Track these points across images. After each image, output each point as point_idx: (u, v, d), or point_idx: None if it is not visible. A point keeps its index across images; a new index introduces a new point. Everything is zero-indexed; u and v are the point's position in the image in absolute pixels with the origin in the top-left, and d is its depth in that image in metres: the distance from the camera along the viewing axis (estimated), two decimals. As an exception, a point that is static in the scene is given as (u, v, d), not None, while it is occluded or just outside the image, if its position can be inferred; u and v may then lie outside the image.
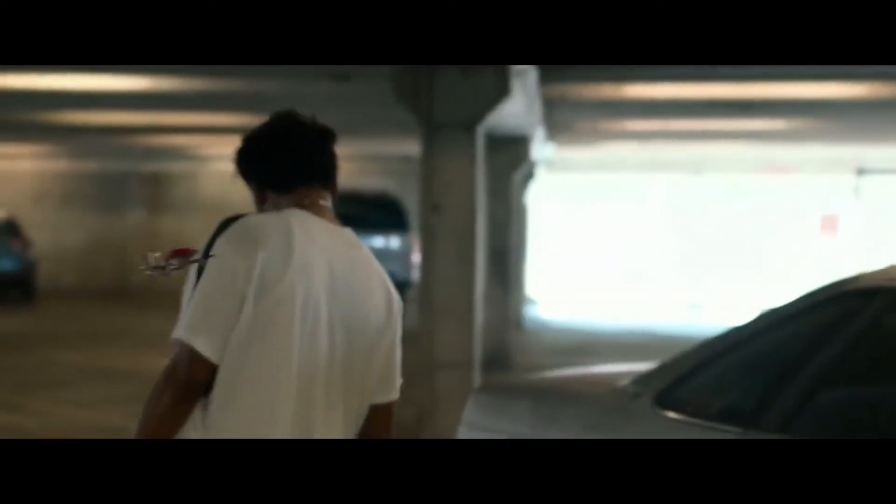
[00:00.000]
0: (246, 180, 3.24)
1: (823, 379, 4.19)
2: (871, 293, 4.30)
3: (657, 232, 29.24)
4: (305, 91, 13.23)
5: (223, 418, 3.00)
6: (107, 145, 24.52)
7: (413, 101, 9.60)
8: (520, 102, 11.46)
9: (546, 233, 28.90)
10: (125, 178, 29.84)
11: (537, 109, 14.52)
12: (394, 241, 22.51)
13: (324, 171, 3.20)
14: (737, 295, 27.39)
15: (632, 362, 8.09)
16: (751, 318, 4.75)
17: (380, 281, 3.17)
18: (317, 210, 3.15)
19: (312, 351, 3.04)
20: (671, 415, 4.57)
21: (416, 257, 21.24)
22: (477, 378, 9.83)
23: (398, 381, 3.25)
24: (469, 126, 9.59)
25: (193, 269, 3.09)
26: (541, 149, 19.12)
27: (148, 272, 3.15)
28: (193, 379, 2.98)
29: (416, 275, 21.18)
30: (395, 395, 3.24)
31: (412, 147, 19.40)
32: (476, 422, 5.34)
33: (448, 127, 9.56)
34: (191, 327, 2.98)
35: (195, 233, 23.92)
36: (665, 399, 4.64)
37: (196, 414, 3.03)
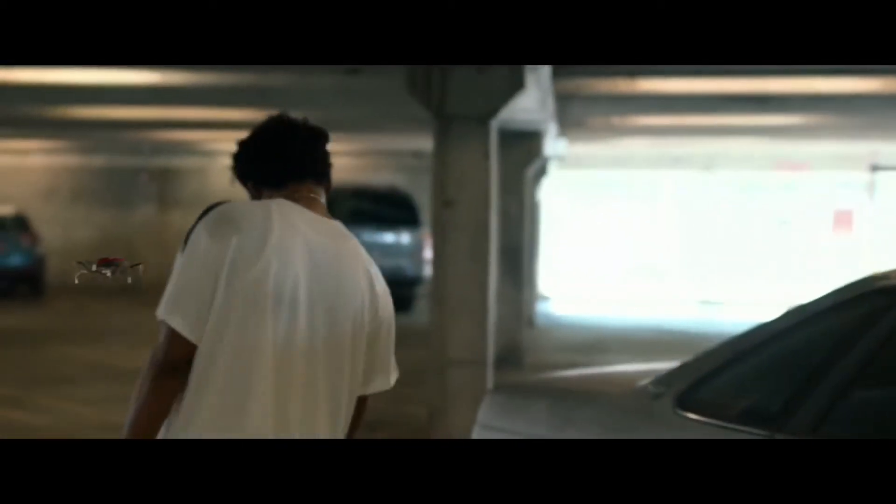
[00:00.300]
0: (242, 181, 3.39)
1: (854, 379, 4.05)
2: (901, 290, 4.17)
3: (669, 229, 29.14)
4: (315, 85, 13.13)
5: (198, 398, 3.08)
6: (116, 140, 24.46)
7: (425, 94, 9.47)
8: (533, 97, 11.34)
9: (558, 229, 28.82)
10: (134, 173, 29.79)
11: (550, 104, 14.40)
12: (404, 237, 22.39)
13: (314, 168, 3.32)
14: (749, 292, 27.30)
15: (648, 361, 7.97)
16: (774, 315, 4.62)
17: (365, 272, 3.24)
18: (306, 202, 3.25)
19: (290, 332, 3.11)
20: (694, 416, 4.43)
21: (427, 253, 21.14)
22: (490, 376, 9.70)
23: (393, 373, 3.34)
24: (483, 120, 9.46)
25: (179, 253, 3.20)
26: (553, 145, 19.00)
27: (83, 272, 3.42)
28: (171, 356, 3.08)
29: (427, 271, 21.08)
30: (382, 386, 3.32)
31: (423, 142, 19.31)
32: (491, 423, 5.22)
33: (461, 121, 9.43)
34: (167, 306, 3.09)
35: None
36: (687, 400, 4.50)
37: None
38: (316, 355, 3.14)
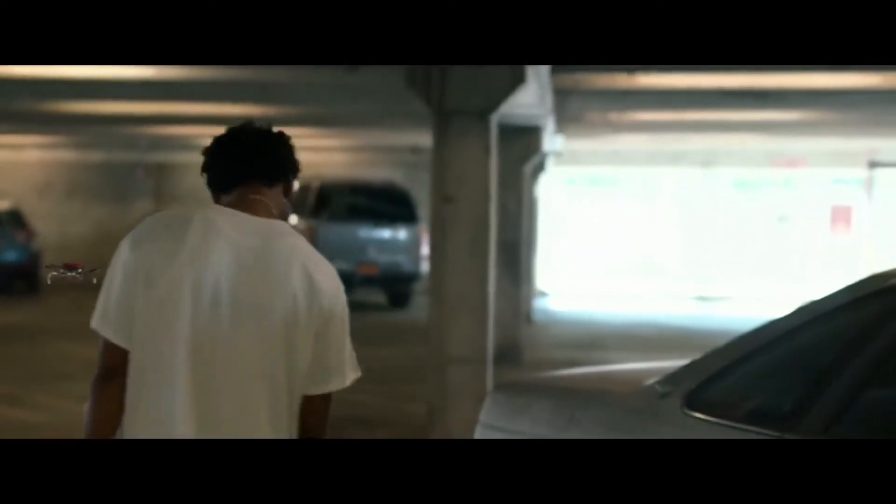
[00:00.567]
0: (208, 188, 3.56)
1: (868, 378, 3.97)
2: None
3: (667, 225, 29.10)
4: (314, 81, 13.04)
5: (135, 403, 3.22)
6: (112, 135, 24.36)
7: (425, 89, 9.39)
8: (533, 91, 11.27)
9: (556, 225, 28.77)
10: (131, 168, 29.71)
11: (549, 99, 14.33)
12: (402, 233, 22.33)
13: (263, 172, 3.42)
14: (747, 288, 27.28)
15: (646, 357, 7.90)
16: (778, 312, 4.54)
17: (302, 269, 3.26)
18: (248, 204, 3.37)
19: (212, 334, 3.19)
20: (702, 416, 4.35)
21: (424, 249, 21.07)
22: (490, 374, 9.62)
23: (351, 373, 3.33)
24: (483, 115, 9.37)
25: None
26: (551, 140, 18.95)
27: (54, 273, 3.75)
28: (108, 363, 3.27)
29: (424, 267, 21.01)
30: (338, 385, 3.32)
31: (421, 138, 19.24)
32: (494, 422, 5.14)
33: (461, 115, 9.35)
34: (98, 317, 3.31)
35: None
36: (695, 399, 4.41)
37: None
38: (244, 355, 3.20)
